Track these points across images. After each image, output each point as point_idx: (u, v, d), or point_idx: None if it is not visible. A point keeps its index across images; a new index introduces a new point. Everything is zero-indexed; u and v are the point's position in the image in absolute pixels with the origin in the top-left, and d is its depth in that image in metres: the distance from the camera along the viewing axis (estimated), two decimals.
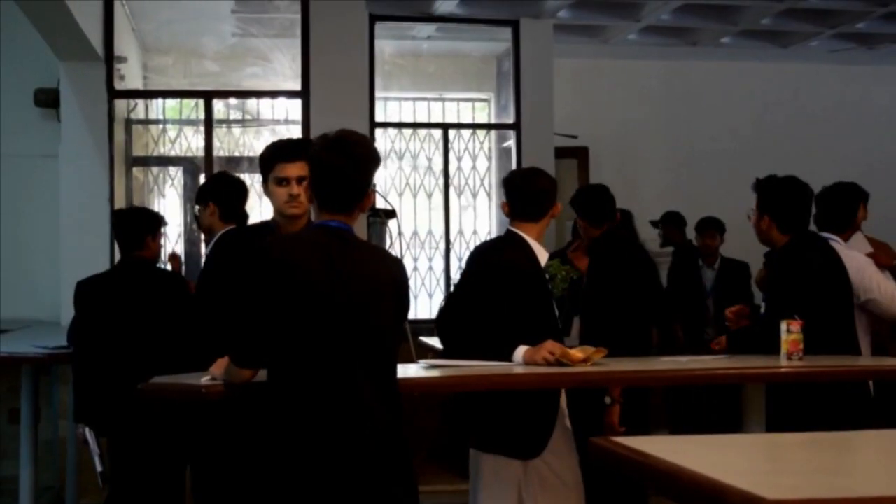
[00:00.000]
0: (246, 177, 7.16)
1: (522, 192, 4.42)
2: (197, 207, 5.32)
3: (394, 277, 3.41)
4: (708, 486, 2.02)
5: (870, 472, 2.37)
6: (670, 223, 9.46)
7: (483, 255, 4.44)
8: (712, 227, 8.73)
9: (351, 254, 3.32)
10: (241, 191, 5.24)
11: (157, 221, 5.53)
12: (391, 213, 8.15)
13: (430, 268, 9.27)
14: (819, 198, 5.15)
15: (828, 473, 2.33)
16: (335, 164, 3.35)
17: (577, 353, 4.10)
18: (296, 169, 3.97)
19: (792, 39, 10.01)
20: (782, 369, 4.21)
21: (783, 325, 4.28)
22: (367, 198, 3.42)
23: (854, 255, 4.96)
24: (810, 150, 10.57)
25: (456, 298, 4.41)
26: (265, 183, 4.10)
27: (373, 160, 3.42)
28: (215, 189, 5.23)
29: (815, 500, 1.92)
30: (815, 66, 10.89)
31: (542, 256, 4.33)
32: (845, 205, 5.23)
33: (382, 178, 9.25)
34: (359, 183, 3.38)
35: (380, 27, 8.88)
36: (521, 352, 4.13)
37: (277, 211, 4.09)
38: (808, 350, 4.31)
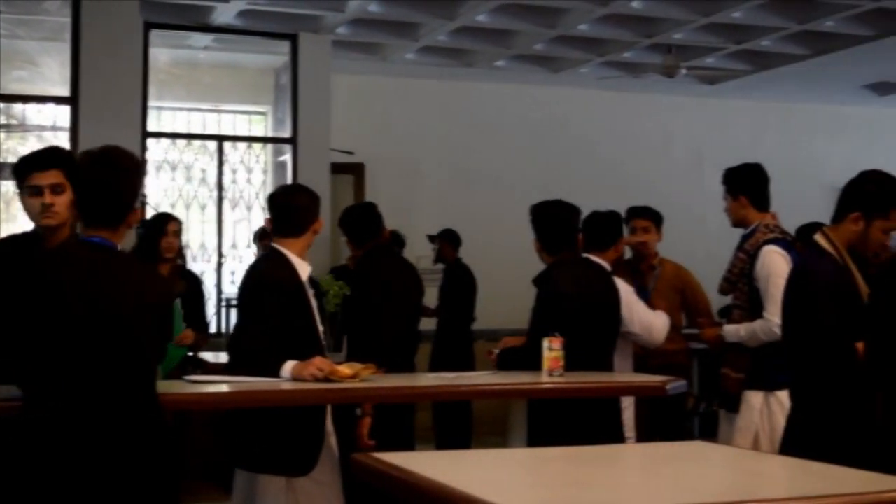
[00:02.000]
0: (10, 185, 6.89)
1: (283, 209, 4.44)
2: None
3: (157, 293, 3.38)
4: (461, 500, 2.07)
5: (616, 485, 2.47)
6: (445, 240, 9.62)
7: (248, 272, 4.45)
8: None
9: (112, 270, 3.27)
10: None
11: None
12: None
13: (202, 281, 9.11)
14: (585, 221, 5.33)
15: (580, 486, 2.42)
16: (99, 179, 3.32)
17: (345, 369, 4.11)
18: (48, 178, 3.83)
19: (563, 65, 10.34)
20: (543, 385, 4.35)
21: (545, 343, 4.42)
22: (133, 213, 3.38)
23: (619, 284, 5.17)
24: (581, 173, 10.93)
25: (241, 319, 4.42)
26: (21, 195, 3.96)
27: (138, 175, 3.38)
28: None
29: None
30: (585, 92, 11.28)
31: (304, 271, 4.33)
32: (608, 229, 5.42)
33: (154, 189, 9.06)
34: (123, 198, 3.34)
35: (155, 35, 8.69)
36: (288, 367, 4.11)
37: (33, 222, 3.95)
38: (569, 367, 4.47)
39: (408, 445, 5.28)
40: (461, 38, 9.44)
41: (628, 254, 6.21)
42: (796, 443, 3.85)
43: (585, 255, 5.15)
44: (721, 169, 5.46)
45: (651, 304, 6.17)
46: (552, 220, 4.94)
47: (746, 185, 5.26)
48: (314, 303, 4.37)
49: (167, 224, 6.39)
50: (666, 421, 6.11)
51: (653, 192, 9.32)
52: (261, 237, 7.73)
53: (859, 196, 3.89)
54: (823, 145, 11.92)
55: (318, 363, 4.08)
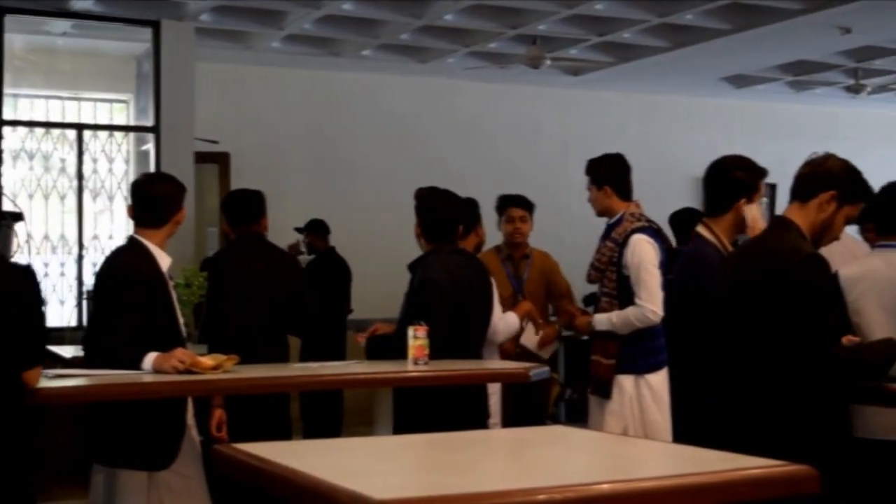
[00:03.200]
0: None
1: (145, 198, 4.35)
2: None
3: (15, 287, 3.29)
4: (320, 487, 2.06)
5: (478, 469, 2.49)
6: (314, 231, 9.58)
7: (105, 263, 4.36)
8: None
9: None
10: None
11: None
12: (18, 217, 7.75)
13: (63, 273, 8.90)
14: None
15: (439, 472, 2.44)
16: None
17: (207, 360, 4.07)
18: None
19: (430, 55, 10.36)
20: (408, 373, 4.36)
21: (410, 331, 4.43)
22: None
23: None
24: (448, 162, 10.99)
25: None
26: None
27: None
28: None
29: (421, 498, 1.99)
30: (452, 82, 11.34)
31: (164, 262, 4.26)
32: (467, 216, 5.46)
33: (11, 179, 8.80)
34: None
35: (10, 20, 8.42)
36: (150, 360, 4.05)
37: None
38: (438, 355, 4.49)
39: (285, 437, 5.24)
40: (327, 27, 9.38)
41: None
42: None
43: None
44: (586, 159, 5.56)
45: (524, 293, 6.27)
46: (434, 209, 4.96)
47: (609, 175, 5.36)
48: (175, 294, 4.30)
49: None
50: (531, 407, 6.20)
51: (519, 181, 9.42)
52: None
53: (830, 179, 3.75)
54: (683, 136, 12.20)
55: (180, 355, 4.02)
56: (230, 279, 5.37)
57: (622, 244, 5.13)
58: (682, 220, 7.10)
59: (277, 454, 2.42)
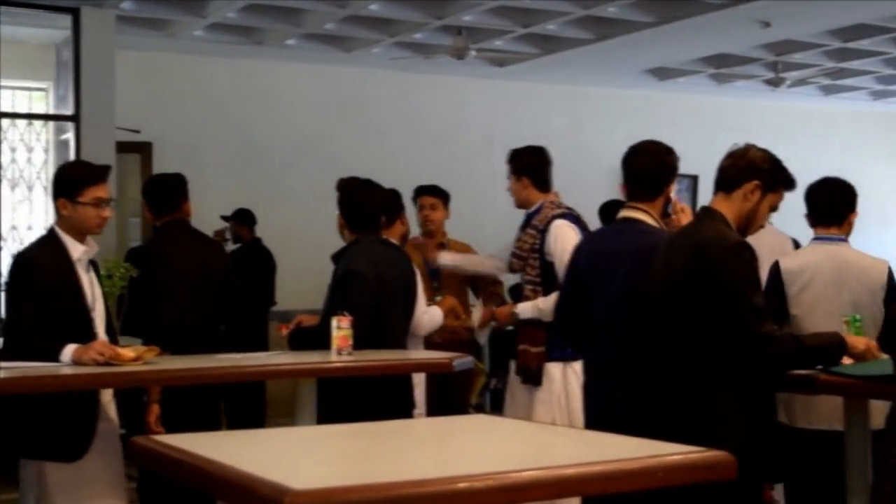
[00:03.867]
0: None
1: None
2: None
3: None
4: (239, 478, 2.05)
5: (400, 459, 2.49)
6: (241, 220, 9.52)
7: (16, 255, 4.31)
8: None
9: None
10: None
11: None
12: None
13: None
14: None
15: (362, 462, 2.44)
16: None
17: (127, 352, 4.02)
18: None
19: (354, 45, 10.32)
20: (331, 364, 4.35)
21: (334, 321, 4.42)
22: None
23: None
24: (374, 153, 10.95)
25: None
26: None
27: None
28: None
29: (342, 487, 1.99)
30: (378, 72, 11.31)
31: (77, 251, 4.19)
32: (389, 206, 5.46)
33: None
34: None
35: None
36: (69, 351, 3.99)
37: None
38: (362, 345, 4.49)
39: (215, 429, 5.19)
40: (251, 16, 9.30)
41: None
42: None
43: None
44: (510, 150, 5.61)
45: (441, 284, 6.27)
46: (356, 200, 4.94)
47: (529, 166, 5.43)
48: (91, 284, 4.23)
49: None
50: (456, 397, 6.22)
51: (444, 171, 9.45)
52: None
53: (753, 170, 3.82)
54: (606, 127, 12.28)
55: (99, 347, 3.97)
56: (159, 269, 5.31)
57: (543, 231, 5.21)
58: (612, 211, 7.19)
59: (197, 445, 2.40)
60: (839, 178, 4.79)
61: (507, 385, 5.63)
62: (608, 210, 7.30)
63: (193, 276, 5.34)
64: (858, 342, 3.82)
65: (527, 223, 5.39)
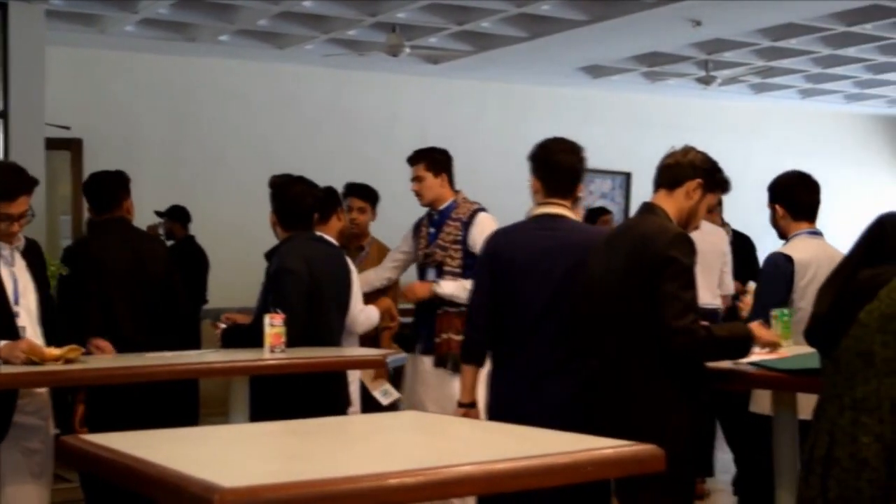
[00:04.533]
0: None
1: None
2: None
3: None
4: (168, 477, 2.04)
5: (332, 455, 2.50)
6: (175, 217, 9.44)
7: None
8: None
9: None
10: None
11: None
12: None
13: None
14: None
15: (294, 459, 2.43)
16: None
17: (51, 350, 3.98)
18: None
19: (288, 41, 10.27)
20: (264, 362, 4.33)
21: (266, 319, 4.40)
22: None
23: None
24: (308, 150, 10.93)
25: None
26: None
27: None
28: None
29: (272, 485, 1.98)
30: (311, 70, 11.27)
31: None
32: (325, 203, 5.43)
33: None
34: None
35: None
36: None
37: None
38: (296, 342, 4.47)
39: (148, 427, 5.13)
40: (183, 12, 9.22)
41: None
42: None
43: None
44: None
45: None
46: (289, 196, 4.92)
47: (446, 163, 5.66)
48: (15, 277, 4.15)
49: None
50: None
51: (379, 168, 9.44)
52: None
53: (695, 169, 3.91)
54: (540, 125, 12.21)
55: (23, 345, 3.92)
56: (91, 268, 5.24)
57: (468, 223, 5.37)
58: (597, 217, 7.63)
59: (127, 444, 2.38)
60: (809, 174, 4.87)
61: (412, 375, 5.68)
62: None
63: (127, 275, 5.27)
64: (765, 334, 3.95)
65: (442, 219, 5.56)
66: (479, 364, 4.36)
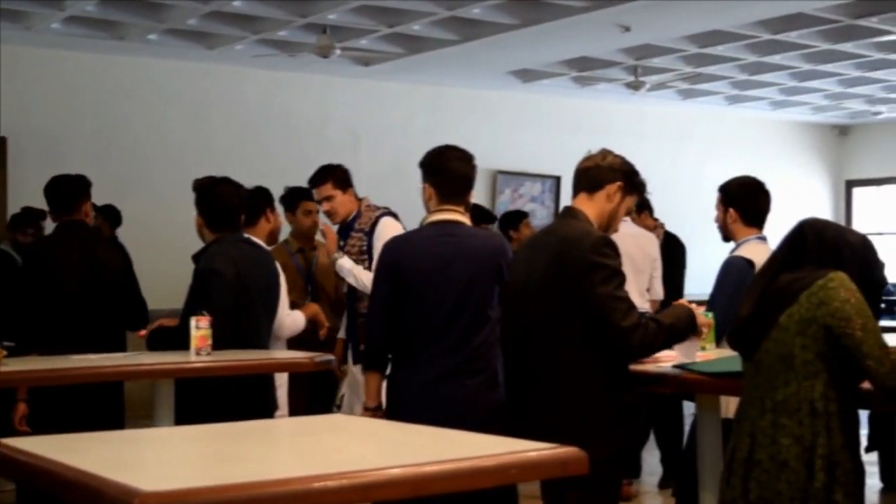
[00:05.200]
0: None
1: None
2: None
3: None
4: (87, 480, 2.02)
5: (257, 459, 2.48)
6: (104, 216, 9.31)
7: None
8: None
9: None
10: None
11: None
12: None
13: None
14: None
15: (217, 462, 2.41)
16: None
17: None
18: None
19: (218, 41, 10.19)
20: (190, 364, 4.30)
21: (192, 321, 4.37)
22: None
23: None
24: (236, 151, 10.86)
25: None
26: None
27: None
28: None
29: (191, 489, 1.97)
30: (241, 70, 11.19)
31: None
32: (254, 204, 5.41)
33: None
34: None
35: None
36: None
37: None
38: (222, 345, 4.44)
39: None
40: (110, 10, 9.11)
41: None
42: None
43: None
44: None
45: (316, 285, 6.28)
46: (214, 198, 4.88)
47: (348, 178, 5.87)
48: None
49: None
50: (320, 398, 6.20)
51: (310, 169, 9.36)
52: None
53: (615, 172, 3.93)
54: (472, 128, 12.36)
55: None
56: (46, 272, 5.19)
57: (370, 232, 5.46)
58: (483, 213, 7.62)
59: (47, 448, 2.35)
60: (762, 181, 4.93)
61: (348, 382, 5.73)
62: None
63: (79, 278, 5.24)
64: (699, 313, 3.95)
65: (347, 230, 5.73)
66: (382, 370, 4.36)
